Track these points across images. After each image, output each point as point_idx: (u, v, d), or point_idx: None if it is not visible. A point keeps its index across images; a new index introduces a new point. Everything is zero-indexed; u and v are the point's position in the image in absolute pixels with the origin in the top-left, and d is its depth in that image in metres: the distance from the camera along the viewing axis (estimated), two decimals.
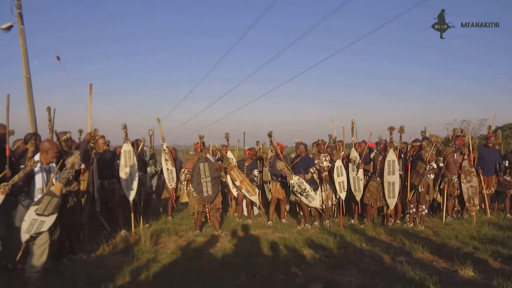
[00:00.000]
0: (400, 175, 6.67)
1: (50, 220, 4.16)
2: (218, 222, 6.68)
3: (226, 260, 4.93)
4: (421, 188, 6.75)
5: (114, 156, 6.74)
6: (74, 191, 4.90)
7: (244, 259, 4.99)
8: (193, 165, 6.52)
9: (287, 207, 7.76)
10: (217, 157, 8.14)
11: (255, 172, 7.80)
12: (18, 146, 5.31)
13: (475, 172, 7.21)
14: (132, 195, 6.38)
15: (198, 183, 6.38)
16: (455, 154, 7.28)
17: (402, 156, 6.89)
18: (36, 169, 4.26)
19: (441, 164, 7.07)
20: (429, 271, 4.28)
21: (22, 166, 4.18)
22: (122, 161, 6.36)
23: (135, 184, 6.42)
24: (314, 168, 6.97)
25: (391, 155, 6.64)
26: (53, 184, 4.27)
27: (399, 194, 6.68)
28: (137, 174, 6.48)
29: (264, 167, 7.68)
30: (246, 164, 7.81)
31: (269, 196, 7.59)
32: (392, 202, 6.68)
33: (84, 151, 5.34)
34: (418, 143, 6.92)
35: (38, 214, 4.08)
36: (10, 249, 4.52)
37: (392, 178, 6.62)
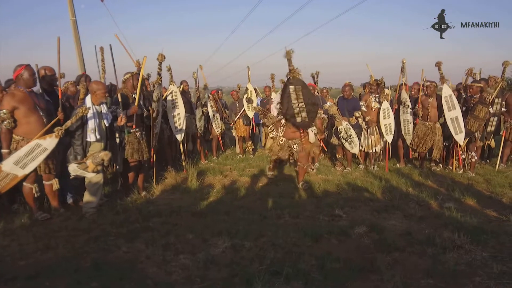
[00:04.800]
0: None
1: (90, 175, 4.38)
2: (303, 174, 5.91)
3: (270, 200, 5.02)
4: (478, 134, 6.39)
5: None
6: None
7: (288, 200, 5.06)
8: None
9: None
10: (260, 98, 8.11)
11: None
12: (66, 87, 5.47)
13: None
14: (180, 136, 6.56)
15: (288, 107, 5.30)
16: None
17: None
18: (89, 112, 4.39)
19: (503, 109, 6.62)
20: (479, 219, 4.15)
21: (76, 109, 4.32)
22: (169, 103, 6.49)
23: (183, 125, 6.57)
24: (359, 112, 6.74)
25: (447, 90, 6.24)
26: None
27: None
28: (184, 115, 6.60)
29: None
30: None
31: None
32: (460, 137, 6.33)
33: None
34: (480, 84, 6.42)
35: (79, 169, 4.30)
36: (68, 186, 4.86)
37: (454, 113, 6.26)
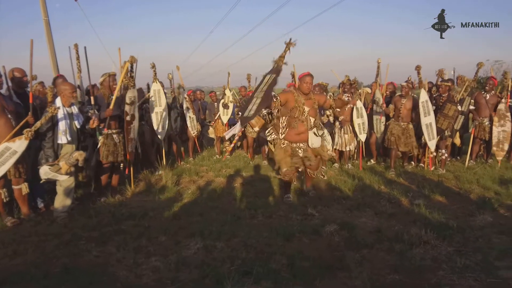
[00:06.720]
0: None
1: (62, 177, 4.31)
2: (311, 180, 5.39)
3: (244, 201, 5.05)
4: (447, 132, 6.56)
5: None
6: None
7: (262, 200, 5.09)
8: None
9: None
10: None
11: (264, 111, 7.63)
12: (35, 89, 5.37)
13: (510, 116, 6.76)
14: (162, 135, 6.54)
15: (250, 99, 4.40)
16: (487, 95, 6.95)
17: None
18: (60, 113, 4.33)
19: (471, 107, 6.82)
20: (447, 215, 4.27)
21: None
22: (151, 102, 6.45)
23: (165, 124, 6.57)
24: (330, 111, 6.80)
25: (424, 96, 6.35)
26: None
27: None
28: (166, 113, 6.59)
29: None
30: None
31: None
32: (432, 144, 6.44)
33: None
34: (448, 83, 6.59)
35: (51, 171, 4.23)
36: (38, 191, 4.77)
37: (429, 119, 6.34)
